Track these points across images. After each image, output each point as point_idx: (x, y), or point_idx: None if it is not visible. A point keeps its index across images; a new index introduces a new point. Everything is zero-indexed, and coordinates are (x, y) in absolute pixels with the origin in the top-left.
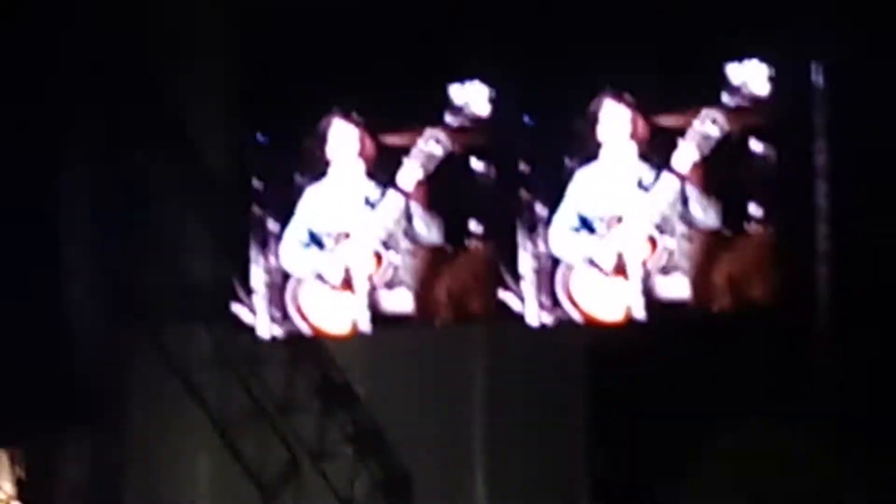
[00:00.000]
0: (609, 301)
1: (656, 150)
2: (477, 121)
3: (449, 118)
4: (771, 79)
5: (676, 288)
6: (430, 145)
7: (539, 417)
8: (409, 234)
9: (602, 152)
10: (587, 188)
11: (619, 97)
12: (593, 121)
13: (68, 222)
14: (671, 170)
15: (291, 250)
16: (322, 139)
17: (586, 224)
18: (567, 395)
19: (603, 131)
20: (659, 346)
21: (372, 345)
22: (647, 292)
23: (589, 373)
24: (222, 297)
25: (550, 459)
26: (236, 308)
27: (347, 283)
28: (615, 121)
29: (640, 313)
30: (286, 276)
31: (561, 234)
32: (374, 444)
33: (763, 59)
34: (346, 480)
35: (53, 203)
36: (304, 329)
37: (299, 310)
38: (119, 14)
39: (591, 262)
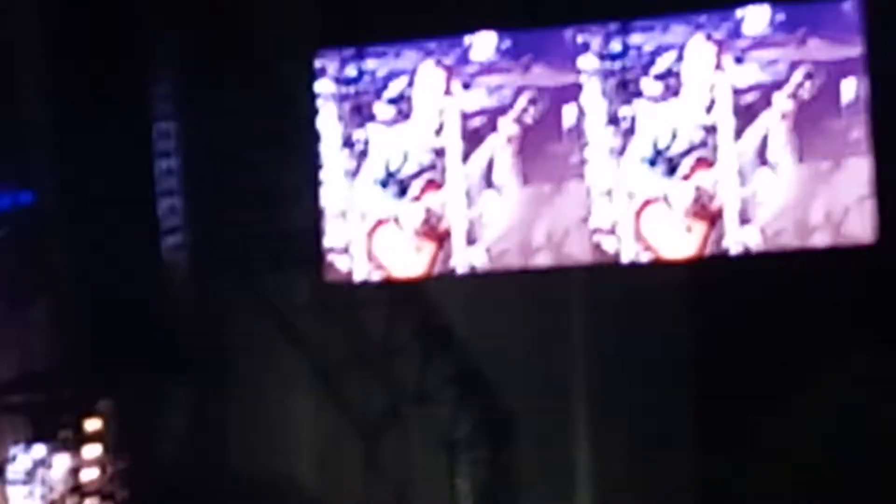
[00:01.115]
0: (683, 241)
1: (745, 87)
2: (563, 66)
3: (539, 66)
4: (862, 12)
5: (766, 226)
6: (526, 89)
7: (638, 357)
8: (501, 179)
9: (684, 89)
10: (667, 124)
11: (706, 34)
12: (678, 57)
13: (162, 173)
14: (761, 106)
15: (367, 191)
16: (408, 81)
17: (662, 159)
18: (665, 333)
19: (688, 68)
20: (753, 283)
21: (468, 289)
22: (737, 231)
23: (687, 310)
24: (317, 243)
25: (651, 398)
26: (331, 253)
27: (435, 228)
28: (700, 57)
29: (728, 252)
30: (367, 218)
31: (639, 170)
32: (474, 386)
33: None
34: (447, 423)
35: (146, 153)
36: (395, 273)
37: (375, 255)
38: None
39: (666, 200)
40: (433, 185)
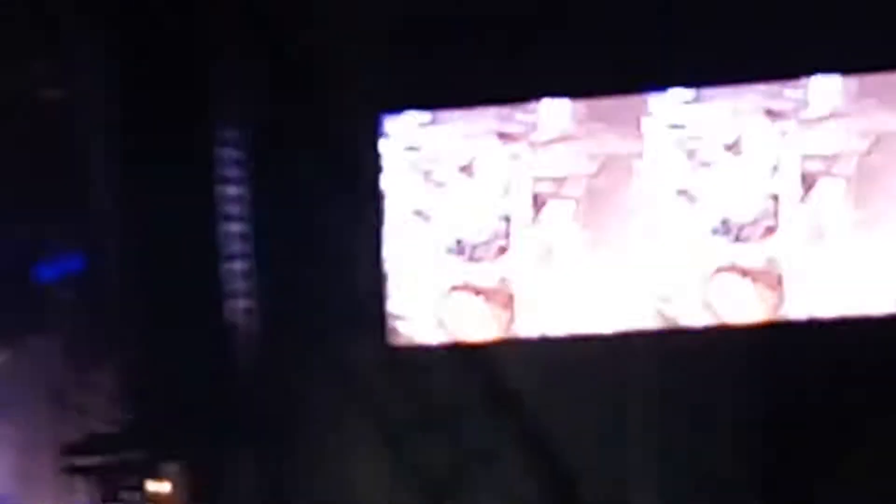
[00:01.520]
0: (752, 309)
1: (812, 155)
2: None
3: (607, 133)
4: None
5: (834, 296)
6: (591, 155)
7: (703, 422)
8: (568, 245)
9: (751, 158)
10: (732, 192)
11: (769, 111)
12: (745, 126)
13: (227, 236)
14: (827, 174)
15: (439, 258)
16: (477, 146)
17: (729, 229)
18: (731, 399)
19: (754, 136)
20: (818, 350)
21: (536, 353)
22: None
23: (752, 377)
24: (382, 305)
25: (715, 463)
26: (396, 316)
27: (502, 294)
28: (767, 126)
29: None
30: (437, 285)
31: (703, 238)
32: (541, 449)
33: None
34: (513, 484)
35: (212, 217)
36: (462, 336)
37: (447, 321)
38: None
39: (735, 268)
40: (501, 250)
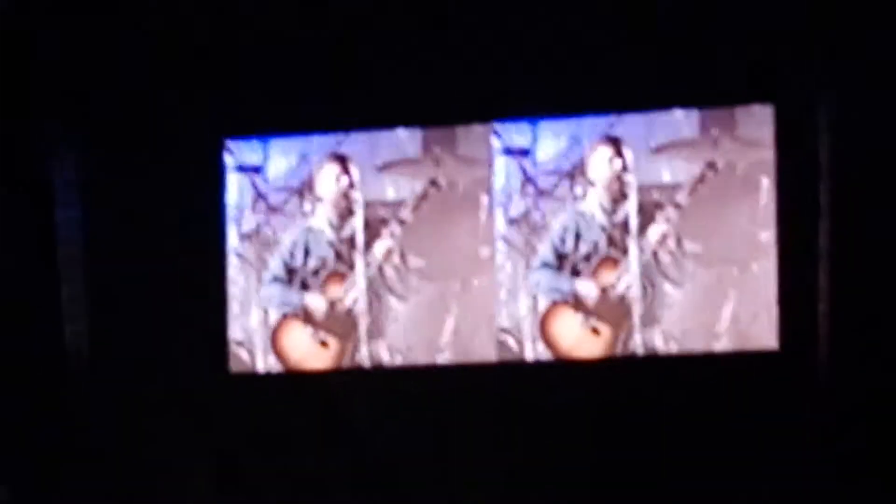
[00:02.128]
0: (589, 343)
1: (649, 191)
2: (472, 162)
3: (447, 160)
4: (775, 120)
5: (669, 329)
6: (428, 183)
7: (541, 454)
8: (403, 273)
9: (590, 190)
10: (571, 226)
11: (610, 137)
12: (587, 157)
13: (65, 261)
14: (666, 211)
15: (270, 287)
16: (310, 178)
17: (566, 263)
18: (569, 433)
19: (592, 169)
20: (651, 390)
21: (371, 383)
22: (638, 333)
23: (591, 410)
24: (222, 334)
25: (552, 493)
26: (234, 346)
27: (336, 325)
28: (604, 159)
29: (635, 354)
30: (270, 314)
31: (540, 273)
32: (374, 479)
33: (764, 98)
34: None
35: (50, 242)
36: (299, 366)
37: (280, 350)
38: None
39: (571, 303)
40: (337, 277)
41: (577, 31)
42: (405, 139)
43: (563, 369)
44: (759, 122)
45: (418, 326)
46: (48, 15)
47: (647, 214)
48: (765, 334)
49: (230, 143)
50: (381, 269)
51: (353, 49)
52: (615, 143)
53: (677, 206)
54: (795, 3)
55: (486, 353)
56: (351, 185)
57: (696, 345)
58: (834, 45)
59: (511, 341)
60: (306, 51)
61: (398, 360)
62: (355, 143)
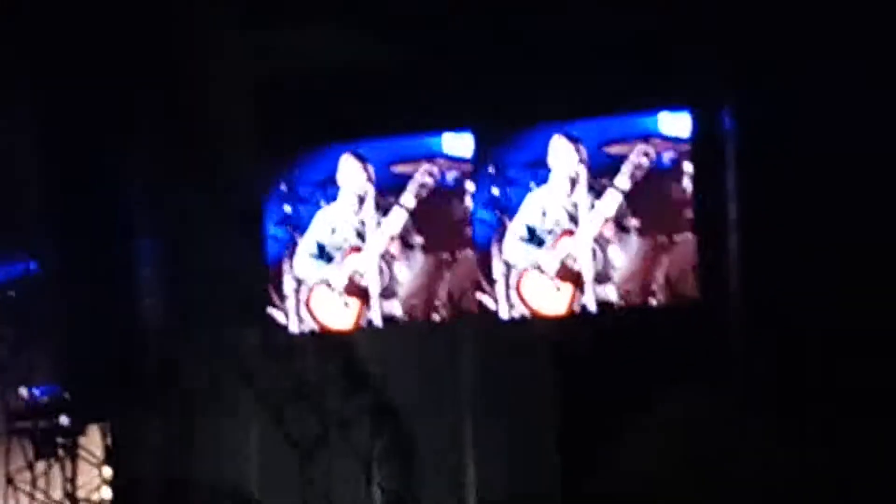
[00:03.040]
0: (554, 300)
1: (597, 177)
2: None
3: (440, 160)
4: (692, 122)
5: (615, 289)
6: (425, 177)
7: (514, 398)
8: (406, 247)
9: (552, 176)
10: (537, 206)
11: (567, 135)
12: (547, 153)
13: (141, 250)
14: (611, 192)
15: (304, 261)
16: (334, 170)
17: (535, 236)
18: (533, 379)
19: (553, 160)
20: (603, 336)
21: (382, 337)
22: (591, 292)
23: (549, 360)
24: (265, 304)
25: (524, 432)
26: (272, 310)
27: (356, 289)
28: (563, 153)
29: (588, 308)
30: (300, 283)
31: (514, 245)
32: (386, 416)
33: (684, 107)
34: (365, 445)
35: (129, 235)
36: (318, 326)
37: (312, 311)
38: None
39: (539, 268)
40: (355, 250)
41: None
42: (406, 144)
43: (534, 324)
44: (680, 123)
45: (420, 290)
46: None
47: (595, 196)
48: (688, 290)
49: (272, 155)
50: (388, 244)
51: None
52: (574, 140)
53: (618, 189)
54: (705, 22)
55: (472, 311)
56: (368, 179)
57: (636, 299)
58: (737, 56)
59: (491, 301)
60: (327, 75)
61: (405, 318)
62: (369, 150)
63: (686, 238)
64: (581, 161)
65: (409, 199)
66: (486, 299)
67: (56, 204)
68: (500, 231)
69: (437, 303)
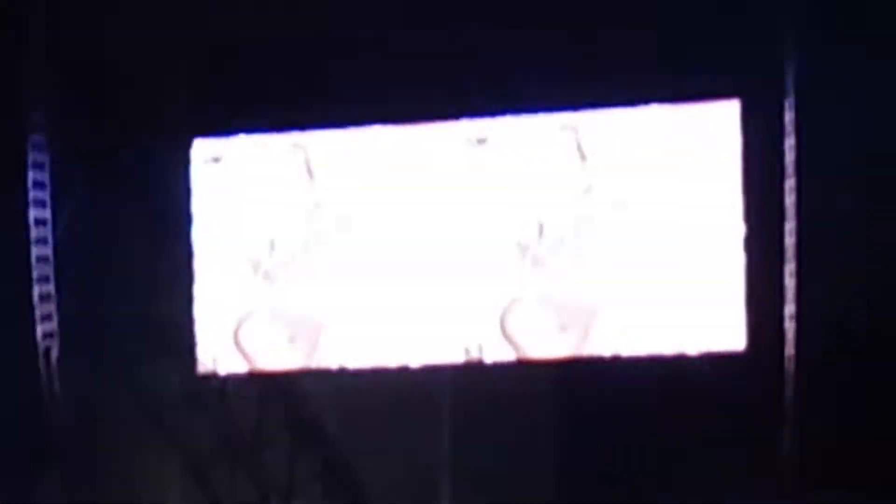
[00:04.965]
0: (554, 342)
1: (618, 186)
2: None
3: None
4: (742, 118)
5: (639, 328)
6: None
7: (503, 452)
8: (373, 270)
9: (556, 182)
10: (538, 218)
11: (573, 130)
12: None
13: (37, 260)
14: (632, 206)
15: (236, 282)
16: (278, 169)
17: (535, 256)
18: (531, 433)
19: (558, 164)
20: (619, 390)
21: (338, 381)
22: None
23: (554, 411)
24: (187, 335)
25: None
26: (200, 345)
27: (305, 320)
28: (570, 153)
29: (599, 353)
30: (232, 311)
31: (507, 266)
32: (342, 480)
33: (733, 95)
34: None
35: (23, 240)
36: (262, 365)
37: (245, 349)
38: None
39: (537, 299)
40: (301, 273)
41: (552, 31)
42: (371, 137)
43: (526, 369)
44: (727, 118)
45: (384, 326)
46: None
47: (615, 212)
48: (730, 336)
49: (196, 140)
50: (346, 267)
51: (316, 52)
52: (577, 137)
53: (645, 203)
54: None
55: (450, 352)
56: (314, 181)
57: (665, 345)
58: (803, 46)
59: (475, 340)
60: (269, 54)
61: (363, 360)
62: (318, 141)
63: (736, 267)
64: (593, 167)
65: (379, 210)
66: (472, 339)
67: None
68: (488, 248)
69: (405, 343)
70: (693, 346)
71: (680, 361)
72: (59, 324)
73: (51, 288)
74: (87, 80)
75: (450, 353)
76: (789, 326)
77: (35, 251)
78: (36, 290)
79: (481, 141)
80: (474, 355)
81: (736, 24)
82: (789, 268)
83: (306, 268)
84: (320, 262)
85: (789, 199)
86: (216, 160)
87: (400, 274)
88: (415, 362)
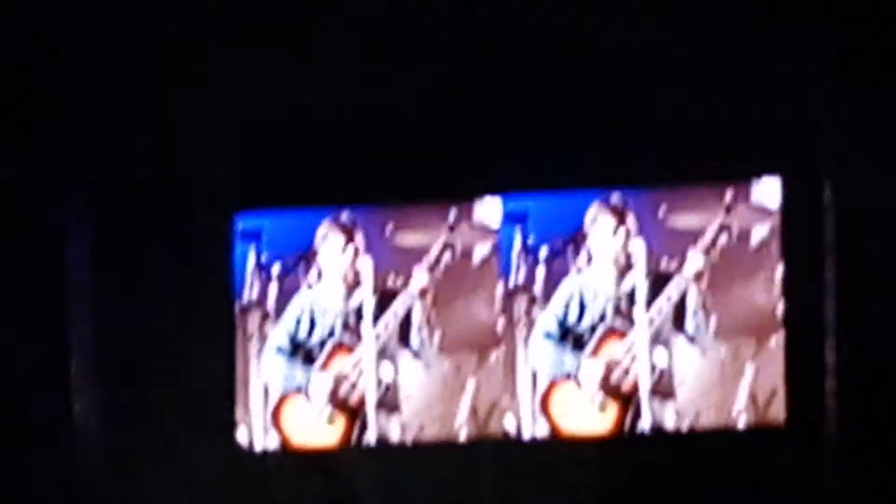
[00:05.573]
0: (595, 422)
1: (656, 262)
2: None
3: (460, 230)
4: (783, 194)
5: (681, 408)
6: (442, 251)
7: None
8: (411, 348)
9: (595, 260)
10: (576, 298)
11: (611, 206)
12: (588, 230)
13: (77, 334)
14: (673, 282)
15: (274, 361)
16: (316, 245)
17: (572, 336)
18: None
19: (596, 240)
20: (660, 469)
21: (378, 458)
22: (645, 410)
23: (597, 490)
24: (226, 410)
25: None
26: (238, 421)
27: (343, 402)
28: (608, 226)
29: (641, 432)
30: (269, 390)
31: (544, 346)
32: None
33: (776, 174)
34: None
35: (62, 317)
36: (301, 442)
37: (284, 428)
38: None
39: (575, 378)
40: (344, 349)
41: (588, 105)
42: (411, 214)
43: (569, 448)
44: (769, 192)
45: (429, 402)
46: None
47: (654, 286)
48: (774, 410)
49: (237, 216)
50: (389, 339)
51: (358, 124)
52: (619, 210)
53: (685, 278)
54: (808, 80)
55: (493, 429)
56: (357, 254)
57: (708, 421)
58: (844, 123)
59: (516, 418)
60: (313, 127)
61: (408, 437)
62: (362, 216)
63: (777, 342)
64: (634, 238)
65: (419, 280)
66: (514, 416)
67: None
68: (526, 326)
69: (455, 422)
70: (733, 421)
71: (720, 436)
72: (97, 398)
73: (90, 361)
74: (126, 157)
75: (491, 430)
76: (830, 402)
77: (77, 327)
78: (74, 365)
79: (521, 217)
80: (515, 432)
81: (776, 101)
82: (830, 342)
83: (347, 345)
84: (361, 340)
85: (829, 275)
86: (257, 235)
87: (440, 349)
88: (456, 438)
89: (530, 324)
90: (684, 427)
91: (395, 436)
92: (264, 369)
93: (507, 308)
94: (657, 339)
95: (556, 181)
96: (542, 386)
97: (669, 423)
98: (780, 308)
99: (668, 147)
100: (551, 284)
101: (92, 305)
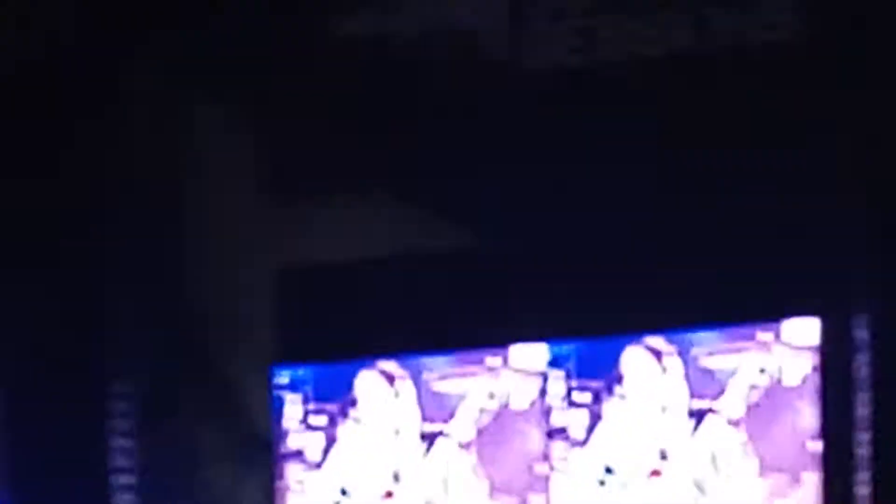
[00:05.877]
0: None
1: (694, 398)
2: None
3: (501, 375)
4: (820, 332)
5: None
6: (485, 397)
7: None
8: (459, 490)
9: (633, 402)
10: (615, 437)
11: (649, 348)
12: (625, 372)
13: (118, 486)
14: (710, 419)
15: None
16: (356, 395)
17: (613, 479)
18: None
19: (633, 378)
20: None
21: None
22: None
23: None
24: None
25: None
26: None
27: None
28: (645, 368)
29: None
30: None
31: (586, 491)
32: None
33: (812, 313)
34: None
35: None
36: None
37: None
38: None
39: None
40: (387, 498)
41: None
42: (449, 361)
43: None
44: (804, 331)
45: None
46: None
47: (692, 425)
48: None
49: (277, 368)
50: (432, 487)
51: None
52: (657, 352)
53: (723, 417)
54: (841, 223)
55: None
56: (399, 401)
57: None
58: (876, 262)
59: None
60: (350, 277)
61: None
62: (405, 365)
63: (813, 478)
64: (673, 378)
65: (461, 426)
66: None
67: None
68: (567, 471)
69: None
70: None
71: None
72: None
73: None
74: (166, 310)
75: None
76: None
77: (118, 480)
78: None
79: (560, 361)
80: None
81: (815, 244)
82: (862, 476)
83: (395, 492)
84: (407, 487)
85: (863, 412)
86: (296, 386)
87: (484, 497)
88: None
89: (571, 469)
90: None
91: None
92: None
93: (548, 453)
94: (695, 480)
95: (595, 326)
96: None
97: None
98: (816, 446)
99: (702, 289)
100: (591, 428)
101: (133, 460)
